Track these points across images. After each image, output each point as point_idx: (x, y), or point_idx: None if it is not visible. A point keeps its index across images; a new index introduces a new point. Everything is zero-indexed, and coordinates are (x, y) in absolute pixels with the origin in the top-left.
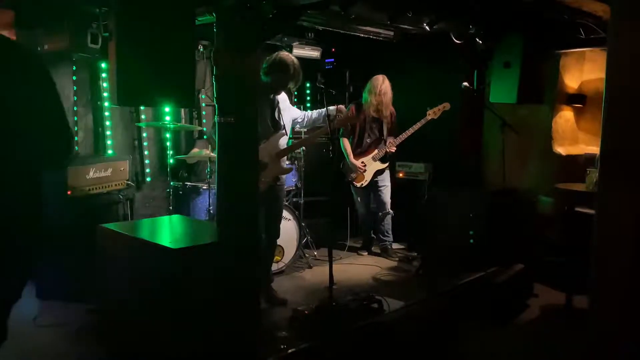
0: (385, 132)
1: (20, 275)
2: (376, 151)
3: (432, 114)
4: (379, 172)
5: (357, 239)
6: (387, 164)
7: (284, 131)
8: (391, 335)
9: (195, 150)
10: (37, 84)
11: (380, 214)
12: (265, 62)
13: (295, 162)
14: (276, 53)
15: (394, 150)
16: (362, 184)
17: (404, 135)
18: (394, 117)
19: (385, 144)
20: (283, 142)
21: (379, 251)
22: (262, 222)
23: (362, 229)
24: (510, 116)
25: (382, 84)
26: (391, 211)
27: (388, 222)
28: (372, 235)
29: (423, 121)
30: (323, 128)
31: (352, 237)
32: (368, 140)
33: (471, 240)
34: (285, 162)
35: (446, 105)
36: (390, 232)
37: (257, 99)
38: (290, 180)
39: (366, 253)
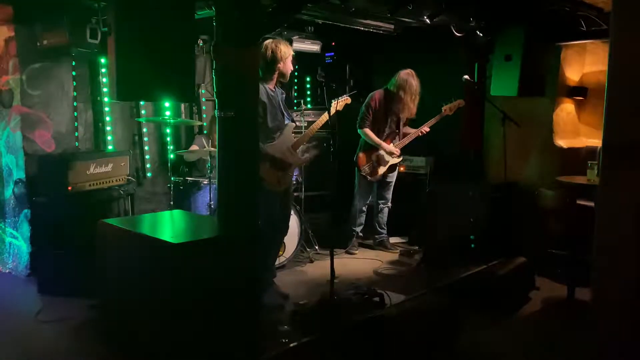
0: (401, 126)
1: None
2: (392, 144)
3: (447, 110)
4: (393, 168)
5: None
6: (401, 158)
7: (289, 120)
8: (393, 329)
9: (193, 147)
10: None
11: (380, 205)
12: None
13: None
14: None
15: (426, 131)
16: (376, 178)
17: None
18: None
19: (399, 139)
20: (291, 132)
21: (371, 243)
22: (279, 218)
23: (352, 223)
24: (511, 109)
25: (417, 86)
26: (390, 205)
27: (386, 214)
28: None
29: (438, 117)
30: (323, 117)
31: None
32: (386, 132)
33: (472, 245)
34: (299, 153)
35: (461, 103)
36: (386, 225)
37: (257, 93)
38: None
39: (358, 251)
